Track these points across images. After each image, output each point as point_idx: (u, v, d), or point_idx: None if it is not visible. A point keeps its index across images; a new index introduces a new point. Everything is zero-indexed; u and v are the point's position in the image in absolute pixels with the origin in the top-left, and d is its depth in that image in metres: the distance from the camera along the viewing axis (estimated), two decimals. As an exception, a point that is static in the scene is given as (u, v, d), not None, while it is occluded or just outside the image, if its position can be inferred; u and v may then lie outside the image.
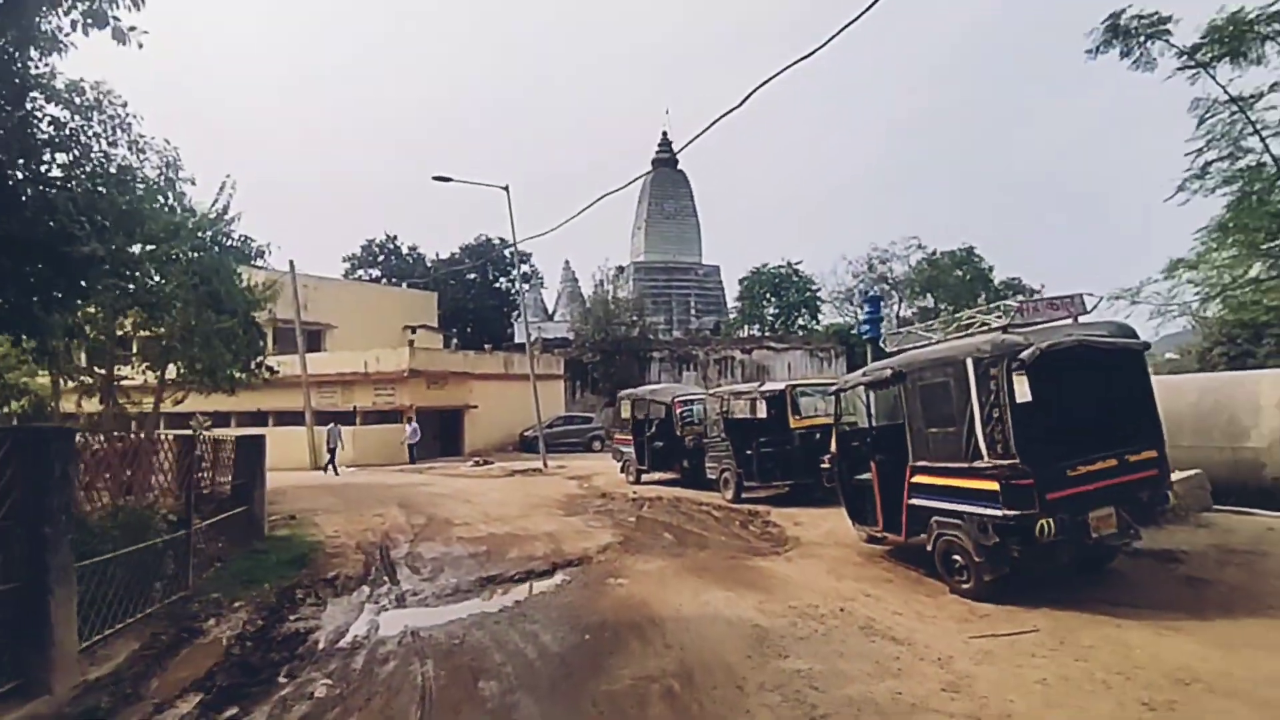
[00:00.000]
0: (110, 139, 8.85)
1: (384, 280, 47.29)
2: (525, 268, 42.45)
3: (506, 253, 48.16)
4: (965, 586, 5.71)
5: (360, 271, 49.64)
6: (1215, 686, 3.75)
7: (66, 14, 6.76)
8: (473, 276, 47.64)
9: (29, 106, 7.59)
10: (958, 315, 6.78)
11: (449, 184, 21.52)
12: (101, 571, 5.07)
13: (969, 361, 5.56)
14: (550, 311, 56.89)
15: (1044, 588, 5.55)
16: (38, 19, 6.77)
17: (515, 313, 49.14)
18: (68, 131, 8.31)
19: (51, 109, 8.22)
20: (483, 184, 22.26)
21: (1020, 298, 44.33)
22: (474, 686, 4.45)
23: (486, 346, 35.15)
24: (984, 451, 5.39)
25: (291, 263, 24.87)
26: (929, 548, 6.06)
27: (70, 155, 8.29)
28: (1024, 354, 5.23)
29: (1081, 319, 6.04)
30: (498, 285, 49.98)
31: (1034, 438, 5.22)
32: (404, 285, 44.39)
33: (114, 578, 5.23)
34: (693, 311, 54.88)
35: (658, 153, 61.44)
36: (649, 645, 5.04)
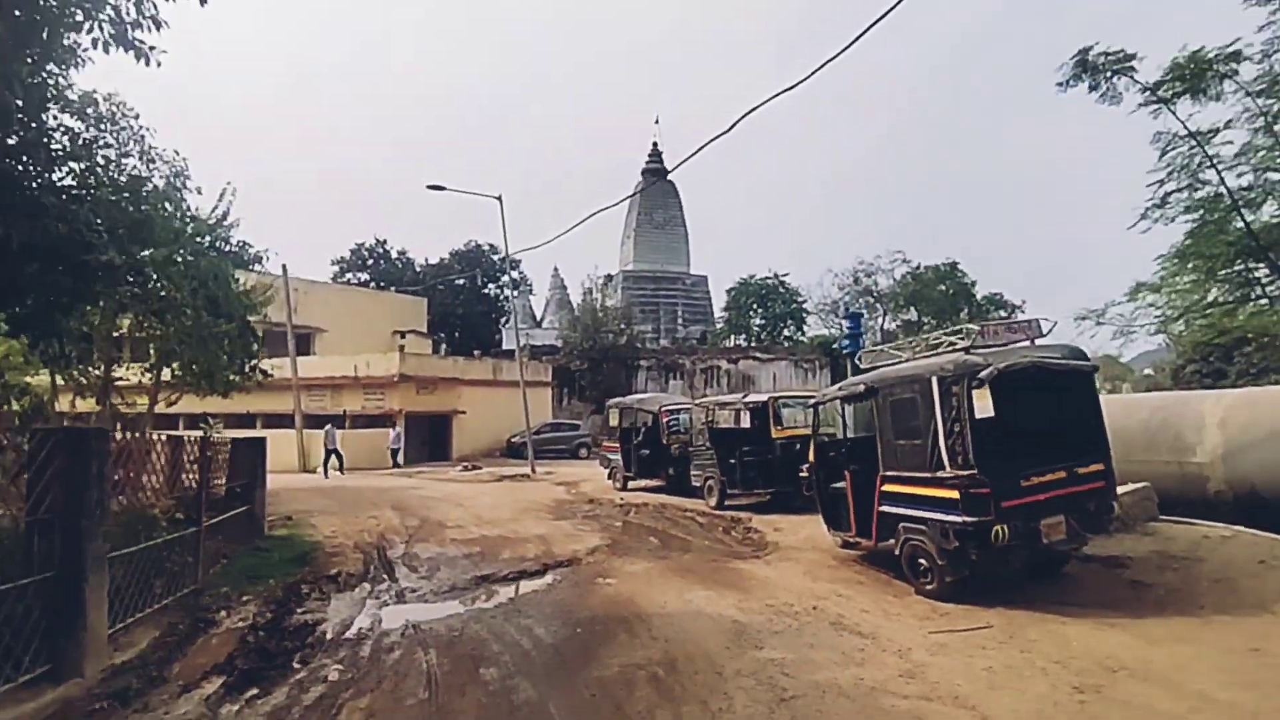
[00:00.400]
0: (123, 150, 9.21)
1: (372, 284, 47.47)
2: (514, 273, 42.91)
3: (495, 258, 48.65)
4: (929, 587, 6.18)
5: (349, 275, 49.83)
6: (1137, 673, 4.24)
7: (88, 32, 7.13)
8: (461, 282, 47.98)
9: (45, 118, 7.94)
10: (925, 335, 7.28)
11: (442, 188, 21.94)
12: (126, 563, 5.41)
13: (934, 379, 6.04)
14: (539, 318, 57.24)
15: (1000, 589, 6.01)
16: (60, 35, 7.15)
17: (504, 319, 49.53)
18: (81, 142, 8.65)
19: (66, 119, 8.58)
20: (476, 194, 22.70)
21: (1002, 313, 45.36)
22: (475, 672, 4.84)
23: (476, 353, 35.45)
24: (946, 462, 5.86)
25: (284, 267, 25.12)
26: (897, 552, 6.53)
27: (83, 165, 8.60)
28: (983, 373, 5.72)
29: (1038, 341, 6.56)
30: (486, 291, 50.32)
31: (991, 450, 5.70)
32: (393, 290, 44.63)
33: (135, 570, 5.58)
34: (680, 321, 55.47)
35: (648, 163, 62.18)
36: (636, 638, 5.44)
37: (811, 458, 8.29)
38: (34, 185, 7.39)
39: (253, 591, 6.99)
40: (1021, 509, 5.73)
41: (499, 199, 22.57)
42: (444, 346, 42.45)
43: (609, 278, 51.18)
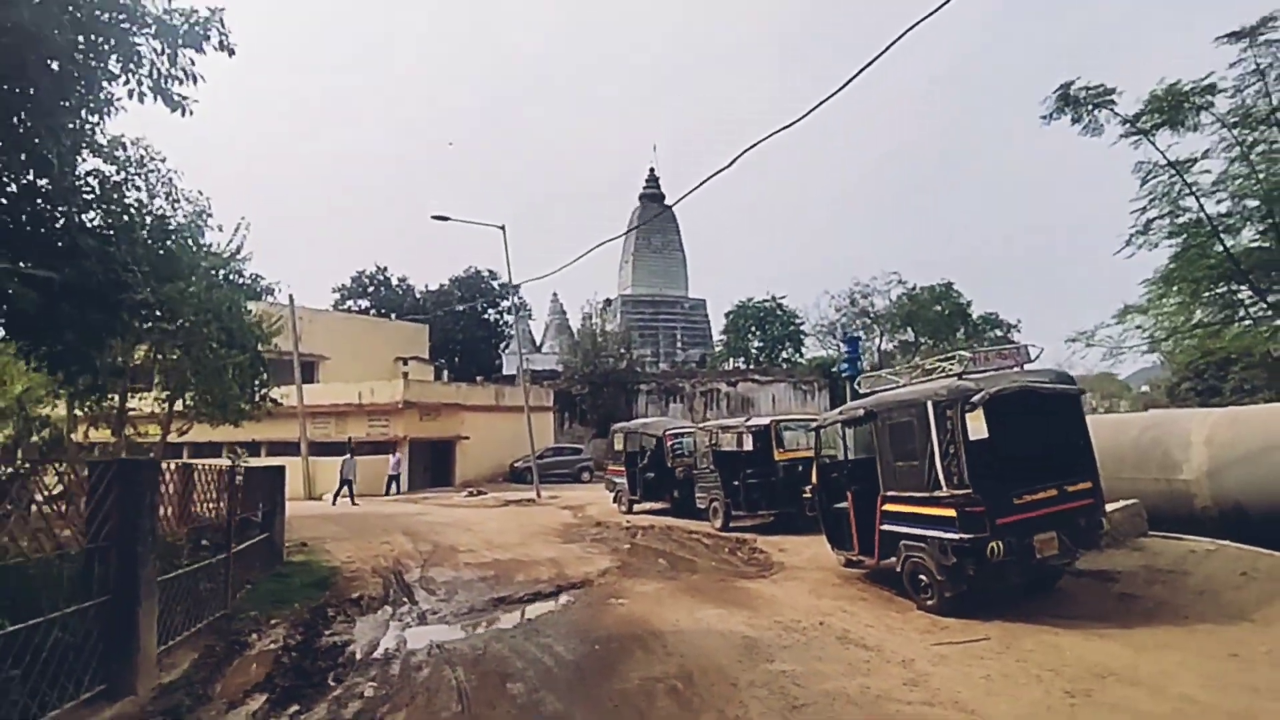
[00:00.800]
0: (152, 192, 9.64)
1: (373, 311, 47.95)
2: (515, 299, 43.43)
3: (495, 284, 49.23)
4: (930, 603, 6.48)
5: (350, 302, 50.30)
6: (1125, 678, 4.55)
7: (125, 84, 7.58)
8: (461, 308, 48.48)
9: (78, 162, 8.36)
10: (921, 362, 7.67)
11: (443, 200, 22.48)
12: (166, 588, 5.70)
13: (929, 404, 6.40)
14: (538, 343, 57.62)
15: (997, 604, 6.31)
16: (98, 87, 7.60)
17: (503, 344, 49.95)
18: (111, 184, 9.06)
19: (98, 164, 9.00)
20: (480, 223, 23.23)
21: (998, 332, 45.74)
22: (503, 687, 5.12)
23: (479, 379, 35.81)
24: (943, 482, 6.20)
25: (291, 297, 25.49)
26: (898, 569, 6.84)
27: (114, 207, 9.00)
28: (976, 398, 6.08)
29: (1027, 367, 6.94)
30: (486, 317, 50.80)
31: (985, 470, 6.04)
32: (393, 316, 45.07)
33: (173, 595, 5.87)
34: (679, 344, 55.89)
35: (645, 188, 63.11)
36: (652, 654, 5.72)
37: (814, 479, 8.61)
38: (66, 226, 7.75)
39: (280, 615, 7.26)
40: (1015, 526, 6.05)
41: (502, 228, 23.10)
42: (445, 372, 42.76)
43: (608, 302, 51.70)
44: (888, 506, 6.94)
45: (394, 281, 51.88)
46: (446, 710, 4.72)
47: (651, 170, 63.47)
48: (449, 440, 28.47)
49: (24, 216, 7.33)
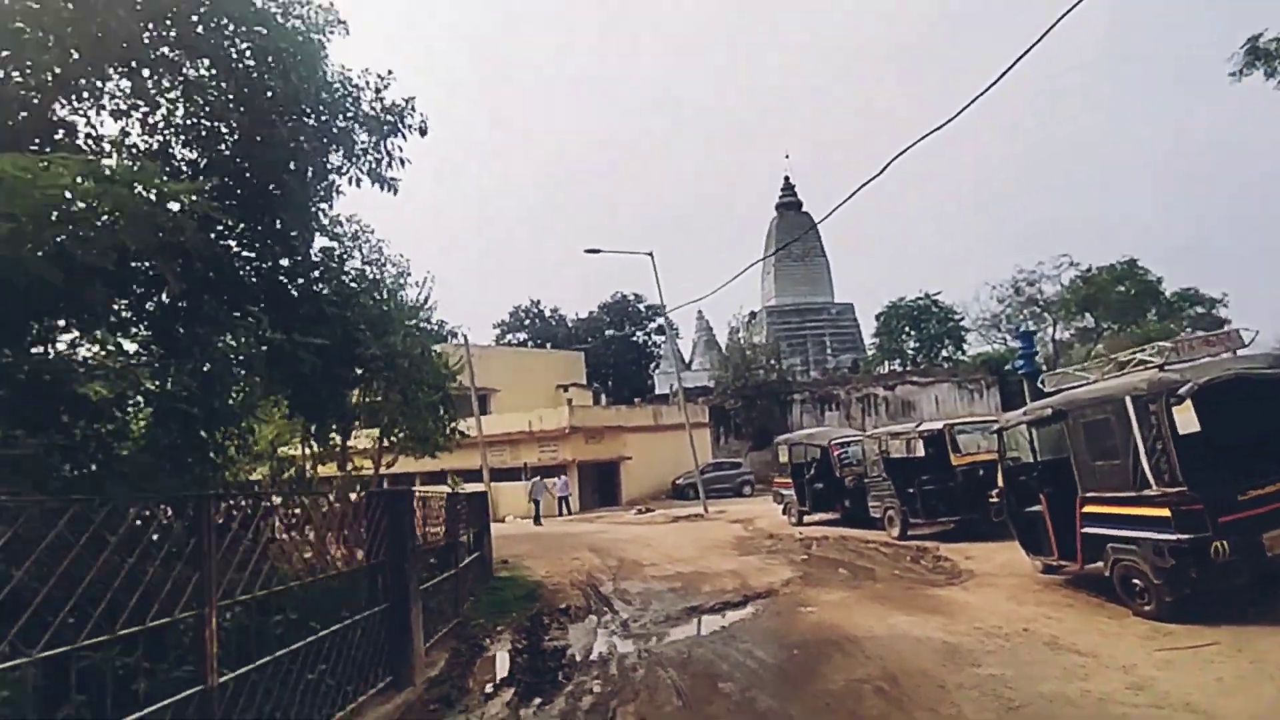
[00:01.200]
0: (366, 259, 11.31)
1: (530, 342, 51.26)
2: (664, 319, 44.73)
3: (642, 307, 50.93)
4: (1147, 608, 6.14)
5: (509, 336, 54.11)
6: (1389, 681, 4.19)
7: (345, 174, 9.06)
8: (610, 333, 50.65)
9: (313, 242, 9.99)
10: (1114, 356, 7.30)
11: (582, 225, 23.86)
12: (423, 598, 6.73)
13: (1128, 399, 6.13)
14: (687, 360, 58.61)
15: (1227, 606, 5.88)
16: (328, 179, 9.13)
17: (653, 364, 51.41)
18: (337, 257, 10.72)
19: (323, 241, 10.67)
20: (629, 253, 24.49)
21: (1199, 309, 40.36)
22: (715, 686, 5.57)
23: (636, 401, 37.17)
24: (1151, 481, 5.90)
25: (465, 337, 27.99)
26: (1106, 573, 6.54)
27: (341, 277, 10.64)
28: (1182, 390, 5.77)
29: (1240, 352, 6.44)
30: (635, 339, 52.61)
31: (1199, 466, 5.70)
32: (549, 346, 47.90)
33: (427, 604, 6.90)
34: (829, 351, 54.63)
35: (781, 196, 62.72)
36: (851, 658, 5.93)
37: (1001, 483, 8.37)
38: (314, 297, 9.31)
39: (502, 623, 8.22)
40: (1241, 523, 5.65)
41: (650, 255, 24.11)
42: (603, 396, 44.72)
43: (753, 315, 51.68)
44: (1089, 508, 6.67)
45: (547, 313, 55.21)
46: (669, 704, 5.25)
47: (787, 179, 63.10)
48: (613, 461, 29.81)
49: (279, 292, 8.94)
